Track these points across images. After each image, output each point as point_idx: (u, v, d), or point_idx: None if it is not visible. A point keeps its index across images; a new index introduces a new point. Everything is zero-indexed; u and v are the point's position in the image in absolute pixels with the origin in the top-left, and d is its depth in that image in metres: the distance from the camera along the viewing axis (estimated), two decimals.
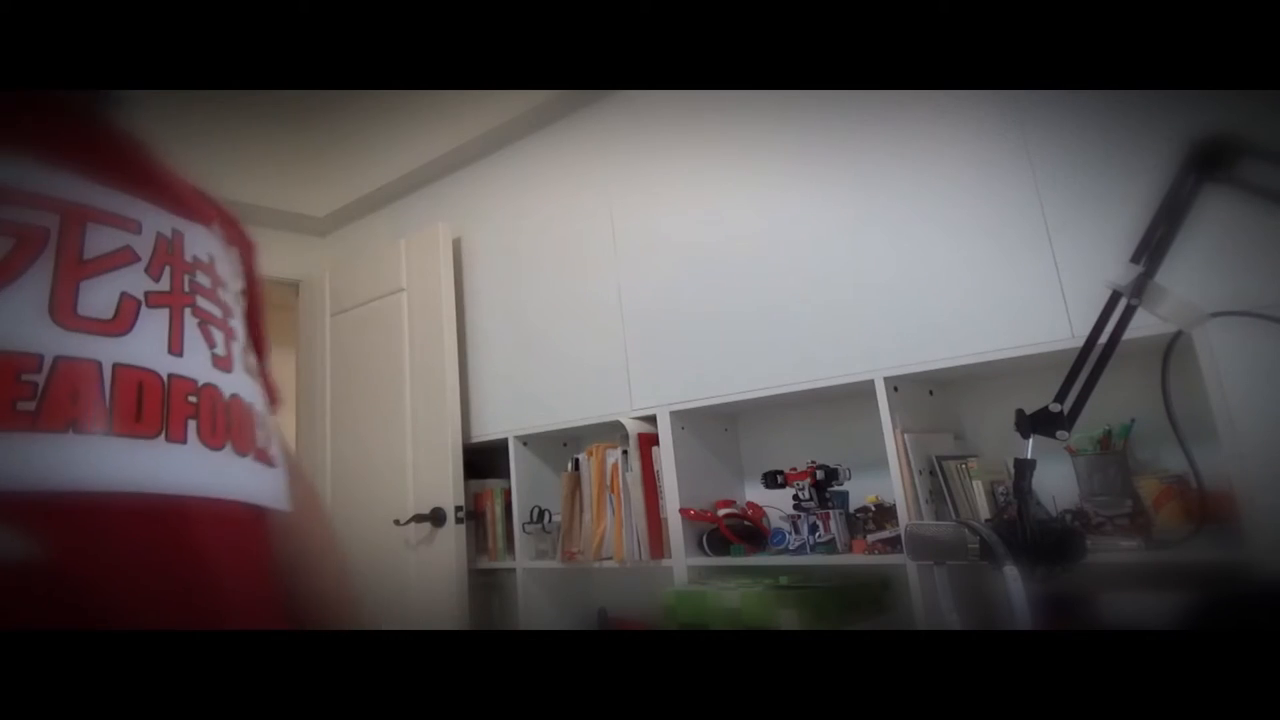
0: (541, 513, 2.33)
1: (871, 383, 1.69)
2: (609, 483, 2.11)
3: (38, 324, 0.44)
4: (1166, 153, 1.12)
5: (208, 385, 0.53)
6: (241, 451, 0.54)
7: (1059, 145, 1.53)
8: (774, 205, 1.92)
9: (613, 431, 2.14)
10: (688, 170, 2.10)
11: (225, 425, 0.53)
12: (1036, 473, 1.08)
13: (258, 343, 0.70)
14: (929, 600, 1.52)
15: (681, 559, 1.92)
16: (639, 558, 2.01)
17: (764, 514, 1.97)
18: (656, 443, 2.04)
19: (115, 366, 0.47)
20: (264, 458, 0.58)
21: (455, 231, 2.71)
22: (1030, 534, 1.02)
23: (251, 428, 0.57)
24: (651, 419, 2.07)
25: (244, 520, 0.55)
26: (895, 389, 1.69)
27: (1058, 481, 1.57)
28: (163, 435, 0.48)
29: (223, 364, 0.55)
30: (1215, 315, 1.13)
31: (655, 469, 2.05)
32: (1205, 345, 1.29)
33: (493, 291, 2.59)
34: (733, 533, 1.89)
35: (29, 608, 0.41)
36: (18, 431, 0.42)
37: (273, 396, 0.73)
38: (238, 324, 0.61)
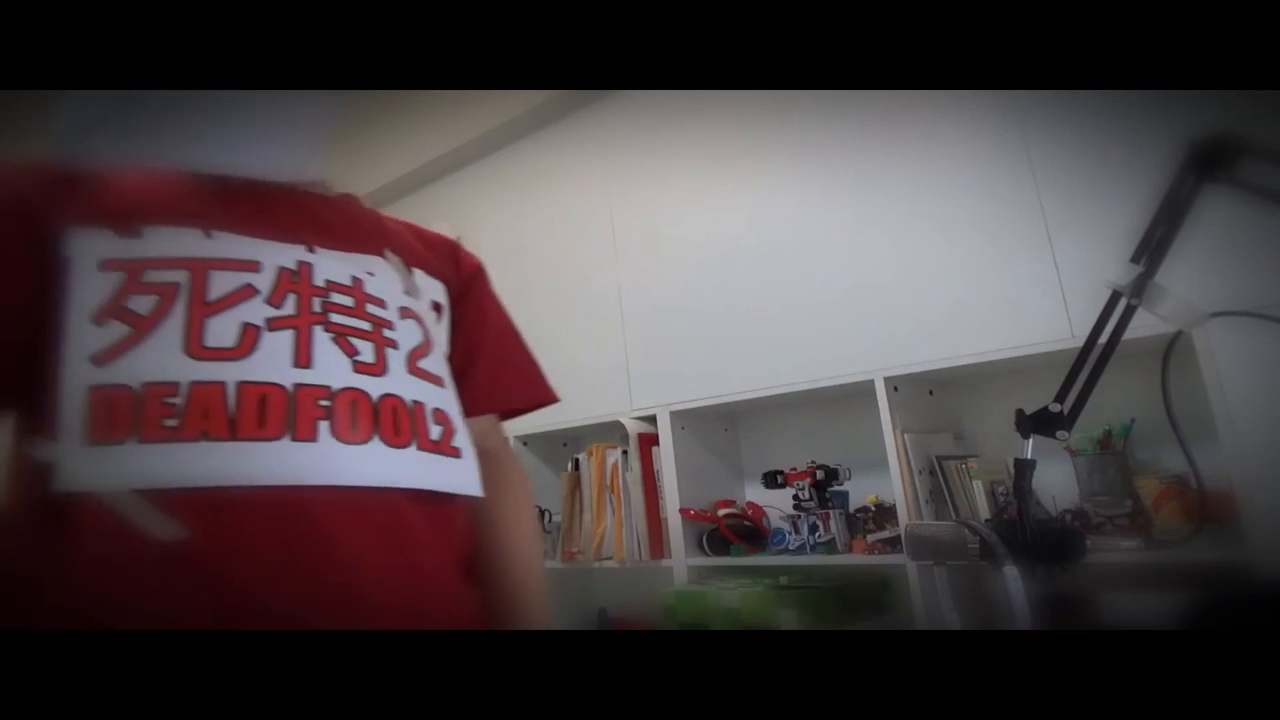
0: (541, 513, 2.33)
1: (871, 383, 1.69)
2: (609, 483, 2.11)
3: (176, 358, 0.57)
4: (1166, 153, 1.12)
5: (346, 389, 0.61)
6: (395, 444, 0.63)
7: (1059, 145, 1.53)
8: (774, 205, 1.92)
9: (613, 431, 2.14)
10: (688, 170, 2.10)
11: (370, 422, 0.61)
12: (1036, 473, 1.08)
13: (477, 346, 0.81)
14: (929, 600, 1.52)
15: (681, 559, 1.92)
16: (639, 558, 2.01)
17: (764, 514, 1.97)
18: (656, 443, 2.04)
19: (239, 384, 0.57)
20: (439, 448, 0.67)
21: (455, 231, 2.71)
22: (1030, 534, 1.02)
23: (415, 422, 0.65)
24: (651, 419, 2.07)
25: (390, 504, 0.63)
26: (895, 389, 1.69)
27: (1058, 481, 1.57)
28: (288, 436, 0.57)
29: (370, 369, 0.64)
30: (1215, 315, 1.12)
31: (655, 469, 2.05)
32: (1205, 345, 1.29)
33: None
34: (733, 533, 1.89)
35: (180, 580, 0.54)
36: (165, 442, 0.54)
37: (528, 394, 0.86)
38: (404, 334, 0.69)
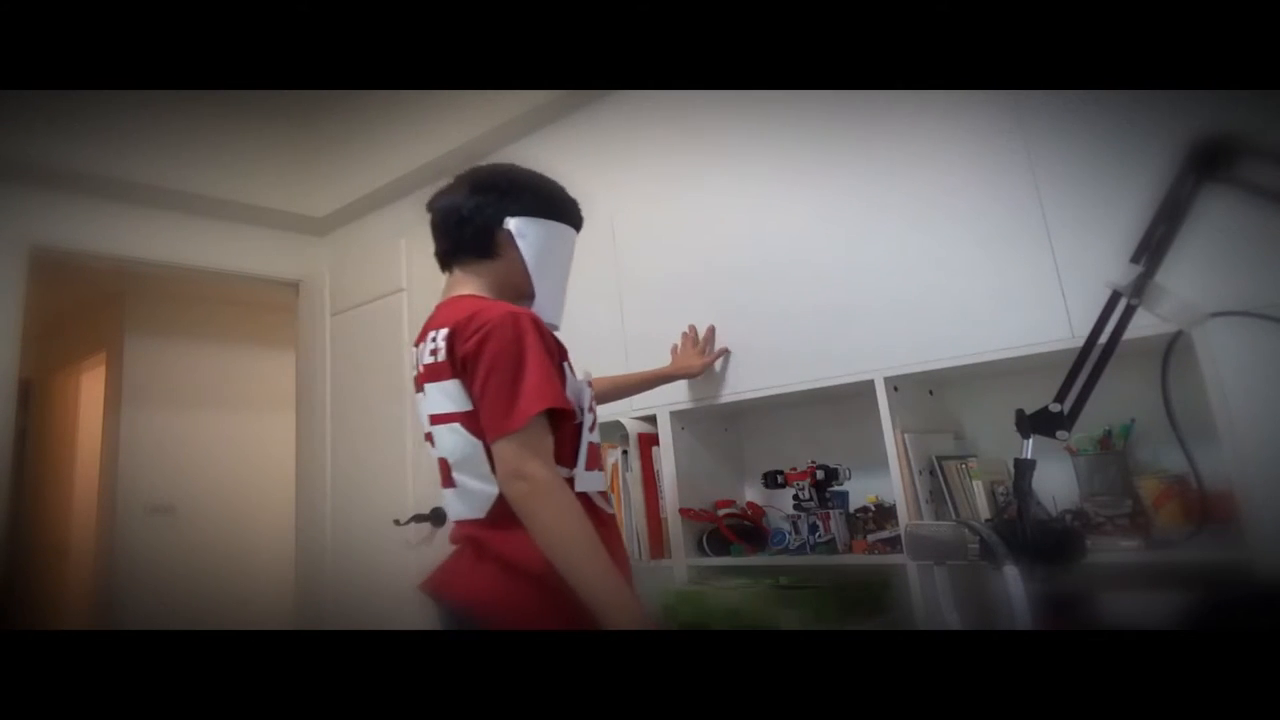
0: None
1: (871, 383, 1.69)
2: (609, 483, 2.10)
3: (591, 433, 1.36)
4: (1166, 153, 1.12)
5: None
6: None
7: (1059, 145, 1.53)
8: (774, 205, 1.92)
9: (613, 431, 2.14)
10: (687, 170, 2.10)
11: None
12: (1036, 473, 1.08)
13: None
14: (929, 600, 1.52)
15: (681, 559, 1.92)
16: (639, 558, 2.01)
17: (764, 514, 1.97)
18: (656, 443, 2.04)
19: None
20: None
21: None
22: (1030, 534, 1.02)
23: None
24: (651, 419, 2.07)
25: None
26: (895, 389, 1.69)
27: (1058, 481, 1.57)
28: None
29: None
30: (1215, 315, 1.13)
31: (655, 469, 2.05)
32: (1205, 345, 1.29)
33: None
34: (733, 533, 1.89)
35: (614, 526, 1.37)
36: (601, 470, 1.34)
37: None
38: None
